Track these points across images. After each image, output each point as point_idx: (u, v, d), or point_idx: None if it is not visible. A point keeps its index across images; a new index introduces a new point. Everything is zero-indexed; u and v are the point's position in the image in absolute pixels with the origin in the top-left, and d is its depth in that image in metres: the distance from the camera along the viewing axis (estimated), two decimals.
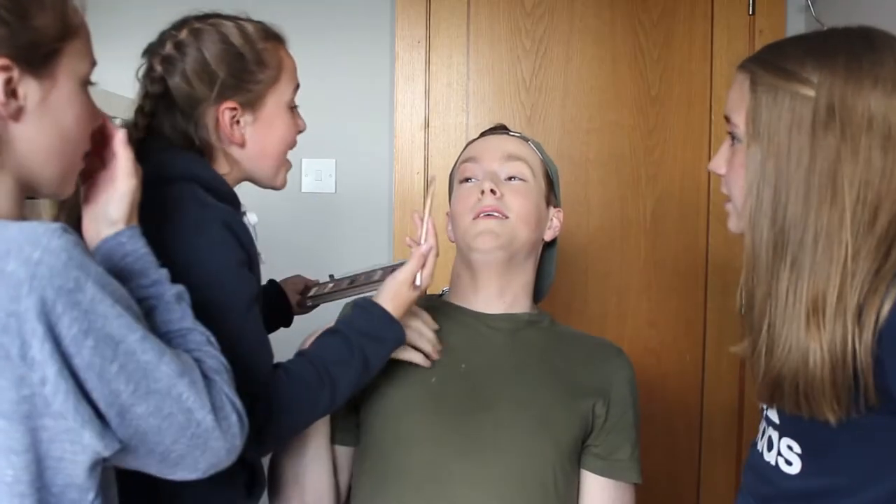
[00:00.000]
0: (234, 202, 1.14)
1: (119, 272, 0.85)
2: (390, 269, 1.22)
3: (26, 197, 0.85)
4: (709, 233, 2.24)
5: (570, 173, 2.27)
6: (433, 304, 1.31)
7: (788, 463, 0.94)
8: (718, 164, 1.00)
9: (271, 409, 1.03)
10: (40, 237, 0.71)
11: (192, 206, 1.04)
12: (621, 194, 2.27)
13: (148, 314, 0.84)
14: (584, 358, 1.26)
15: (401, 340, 1.15)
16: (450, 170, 1.39)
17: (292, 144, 1.21)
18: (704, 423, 2.27)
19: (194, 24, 1.12)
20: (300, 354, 1.11)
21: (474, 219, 1.23)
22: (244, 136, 1.14)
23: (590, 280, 2.28)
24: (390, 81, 2.27)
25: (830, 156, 0.86)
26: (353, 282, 1.35)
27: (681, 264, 2.27)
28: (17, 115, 0.79)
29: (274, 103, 1.15)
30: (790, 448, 0.95)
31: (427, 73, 2.26)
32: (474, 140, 1.35)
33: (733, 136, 0.97)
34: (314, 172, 2.26)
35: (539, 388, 1.21)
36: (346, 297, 1.33)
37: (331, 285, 1.40)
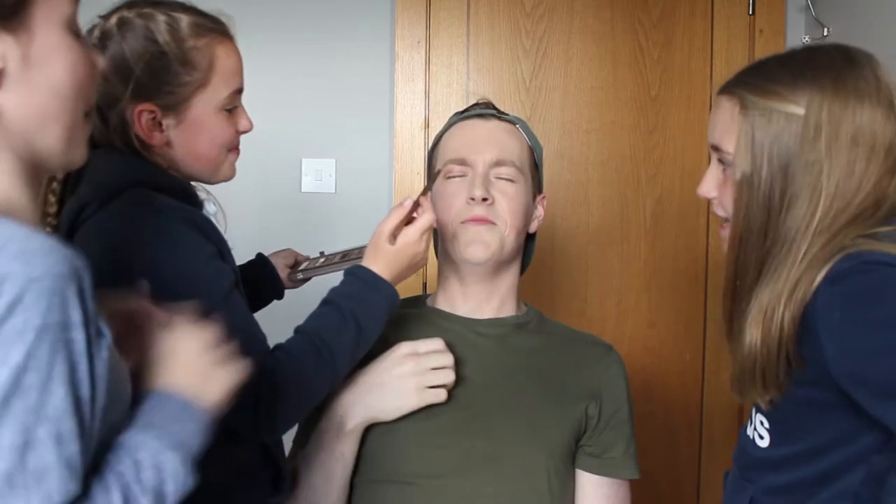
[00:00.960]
0: (187, 196, 1.10)
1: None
2: None
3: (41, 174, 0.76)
4: (709, 233, 2.24)
5: (570, 173, 2.27)
6: (418, 311, 1.30)
7: (761, 437, 1.01)
8: (709, 188, 1.03)
9: (277, 391, 1.02)
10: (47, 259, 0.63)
11: (147, 214, 1.02)
12: (621, 194, 2.27)
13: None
14: (574, 359, 1.25)
15: (392, 298, 1.12)
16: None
17: (229, 146, 1.14)
18: (704, 423, 2.27)
19: (125, 13, 1.06)
20: (295, 331, 1.09)
21: (462, 223, 1.21)
22: (167, 139, 1.08)
23: (590, 280, 2.28)
24: (390, 81, 2.27)
25: (815, 170, 0.91)
26: (345, 256, 1.35)
27: (681, 264, 2.27)
28: None
29: (201, 107, 1.08)
30: (762, 423, 1.01)
31: (427, 73, 2.26)
32: (461, 119, 1.29)
33: (722, 161, 1.00)
34: (314, 172, 2.26)
35: (530, 394, 1.20)
36: (337, 269, 1.32)
37: (322, 260, 1.40)
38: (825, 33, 2.01)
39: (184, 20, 1.07)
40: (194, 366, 0.80)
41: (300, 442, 1.23)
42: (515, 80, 2.28)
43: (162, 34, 1.05)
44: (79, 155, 0.77)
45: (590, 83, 2.27)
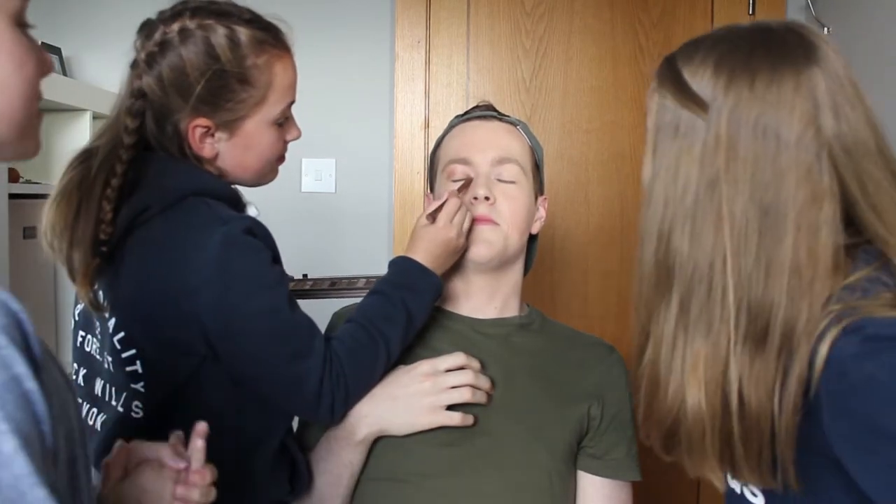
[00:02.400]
0: (237, 203, 1.13)
1: None
2: (374, 280, 1.22)
3: None
4: None
5: (570, 173, 2.27)
6: None
7: (754, 494, 0.89)
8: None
9: (338, 378, 1.07)
10: None
11: (214, 224, 1.04)
12: (621, 194, 2.27)
13: None
14: (576, 360, 1.25)
15: (437, 285, 1.16)
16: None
17: (279, 157, 1.16)
18: None
19: (187, 23, 1.04)
20: (348, 321, 1.12)
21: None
22: (217, 151, 1.09)
23: (590, 280, 2.28)
24: (390, 81, 2.27)
25: (715, 193, 0.78)
26: (334, 284, 1.35)
27: None
28: None
29: (255, 124, 1.09)
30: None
31: (427, 73, 2.26)
32: (461, 122, 1.30)
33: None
34: (314, 172, 2.26)
35: (532, 395, 1.20)
36: (325, 297, 1.33)
37: (310, 283, 1.39)
38: (825, 33, 2.01)
39: (244, 35, 1.06)
40: None
41: (306, 443, 1.22)
42: (515, 81, 2.28)
43: (223, 50, 1.04)
44: (31, 147, 0.76)
45: (590, 83, 2.28)
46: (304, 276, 1.41)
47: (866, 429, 0.71)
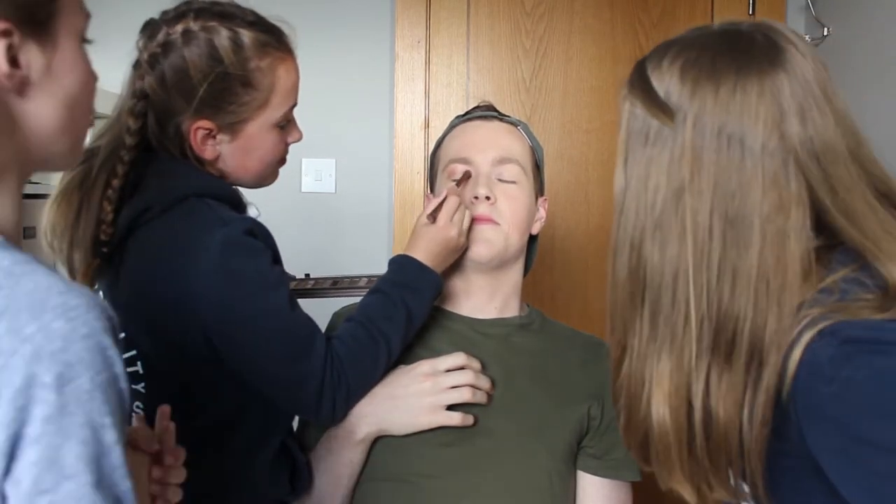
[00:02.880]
0: (238, 205, 1.13)
1: None
2: (375, 279, 1.22)
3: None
4: None
5: (570, 173, 2.27)
6: None
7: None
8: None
9: (339, 377, 1.07)
10: (71, 312, 0.60)
11: (215, 225, 1.03)
12: None
13: None
14: (576, 360, 1.25)
15: (437, 284, 1.16)
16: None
17: (280, 159, 1.16)
18: None
19: (190, 25, 1.04)
20: (347, 320, 1.13)
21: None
22: (218, 152, 1.09)
23: (590, 280, 2.28)
24: (390, 81, 2.27)
25: (681, 203, 0.77)
26: (336, 283, 1.35)
27: None
28: (22, 88, 0.68)
29: (257, 127, 1.09)
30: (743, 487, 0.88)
31: (427, 73, 2.26)
32: (462, 122, 1.30)
33: None
34: (314, 172, 2.26)
35: (532, 395, 1.20)
36: (325, 296, 1.33)
37: (312, 282, 1.40)
38: (825, 33, 2.01)
39: (247, 37, 1.05)
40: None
41: (305, 442, 1.22)
42: (515, 81, 2.28)
43: (226, 53, 1.03)
44: (77, 160, 0.81)
45: (590, 83, 2.28)
46: (307, 275, 1.41)
47: (846, 436, 0.69)
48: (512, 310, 1.28)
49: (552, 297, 2.25)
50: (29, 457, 0.57)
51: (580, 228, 2.28)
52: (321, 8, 2.26)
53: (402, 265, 1.16)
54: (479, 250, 1.20)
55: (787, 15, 2.23)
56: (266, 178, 1.17)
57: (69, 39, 0.71)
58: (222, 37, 1.04)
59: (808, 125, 0.76)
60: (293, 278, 1.45)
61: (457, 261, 1.24)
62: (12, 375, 0.57)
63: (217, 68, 1.04)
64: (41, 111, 0.70)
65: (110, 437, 0.60)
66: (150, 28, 1.08)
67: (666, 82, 0.79)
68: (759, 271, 0.74)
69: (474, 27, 2.28)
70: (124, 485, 0.61)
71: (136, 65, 1.08)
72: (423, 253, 1.16)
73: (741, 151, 0.75)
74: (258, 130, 1.09)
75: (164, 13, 1.08)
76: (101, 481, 0.59)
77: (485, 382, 1.16)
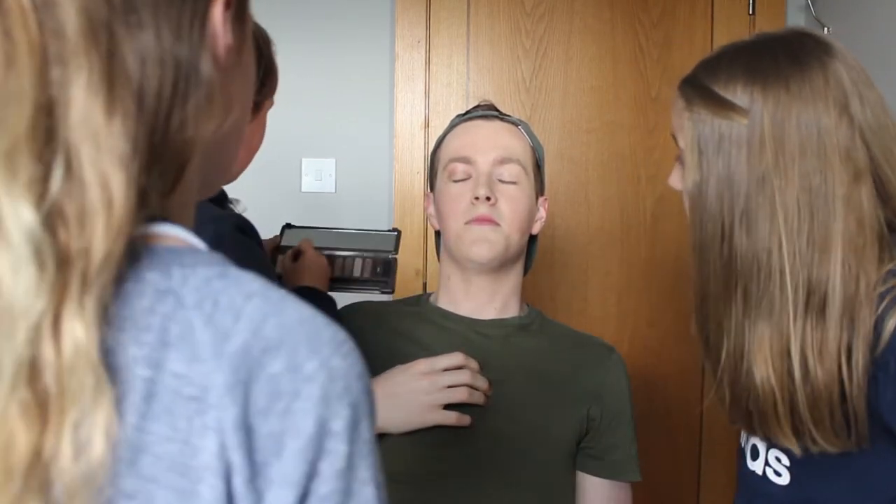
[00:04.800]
0: (223, 201, 1.15)
1: None
2: (362, 232, 1.27)
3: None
4: None
5: (570, 173, 2.27)
6: (419, 309, 1.29)
7: (777, 474, 0.94)
8: (675, 180, 0.99)
9: None
10: (324, 342, 0.49)
11: (204, 222, 1.04)
12: (621, 194, 2.27)
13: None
14: (576, 360, 1.25)
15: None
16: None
17: (255, 150, 1.24)
18: (704, 423, 2.27)
19: None
20: None
21: (466, 223, 1.21)
22: None
23: (590, 280, 2.28)
24: (390, 81, 2.27)
25: (767, 186, 0.86)
26: (332, 277, 1.36)
27: (681, 264, 2.27)
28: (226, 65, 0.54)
29: (266, 109, 1.17)
30: (778, 460, 0.94)
31: (427, 73, 2.26)
32: (463, 121, 1.30)
33: (678, 158, 0.96)
34: (314, 172, 2.26)
35: (532, 395, 1.20)
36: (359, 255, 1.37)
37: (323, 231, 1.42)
38: (825, 33, 2.00)
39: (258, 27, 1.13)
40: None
41: None
42: (515, 80, 2.28)
43: (264, 39, 1.13)
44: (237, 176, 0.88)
45: (590, 83, 2.27)
46: (287, 224, 1.43)
47: None
48: (512, 310, 1.28)
49: (552, 297, 2.25)
50: None
51: (580, 228, 2.27)
52: (321, 8, 2.25)
53: None
54: (481, 251, 1.20)
55: (787, 15, 2.23)
56: (243, 168, 1.21)
57: (250, 34, 0.59)
58: (257, 27, 1.12)
59: (865, 106, 0.87)
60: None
61: (456, 262, 1.23)
62: (300, 421, 0.46)
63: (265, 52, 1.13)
64: (238, 103, 0.58)
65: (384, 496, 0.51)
66: None
67: (731, 87, 0.88)
68: (845, 234, 0.84)
69: (474, 27, 2.28)
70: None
71: None
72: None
73: (817, 132, 0.85)
74: (265, 113, 1.18)
75: None
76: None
77: (482, 383, 1.16)
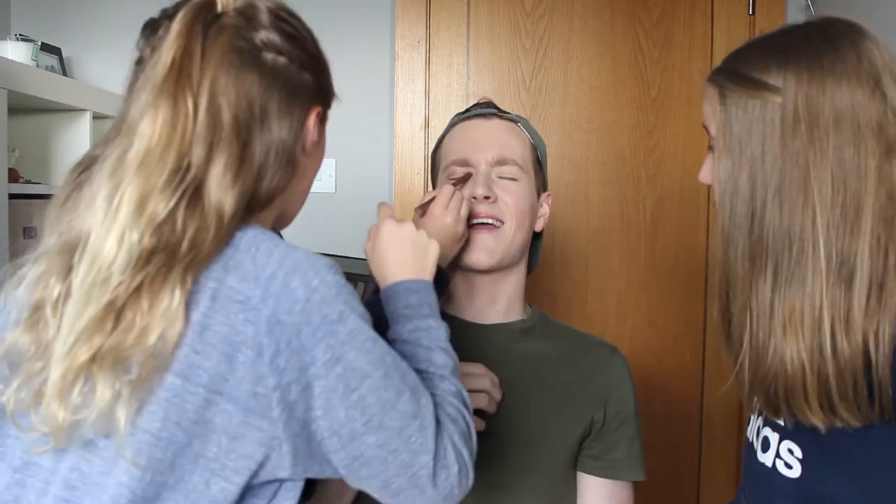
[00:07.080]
0: None
1: (390, 315, 0.94)
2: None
3: None
4: (709, 232, 2.24)
5: (570, 173, 2.28)
6: None
7: (788, 466, 0.93)
8: (705, 174, 1.00)
9: None
10: (320, 268, 0.78)
11: None
12: (621, 194, 2.28)
13: (407, 354, 0.89)
14: (579, 362, 1.25)
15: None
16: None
17: None
18: (704, 423, 2.27)
19: None
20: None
21: (468, 227, 1.19)
22: None
23: (590, 280, 2.28)
24: (390, 81, 2.27)
25: (801, 160, 0.87)
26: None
27: (681, 264, 2.27)
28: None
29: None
30: (790, 452, 0.94)
31: (427, 73, 2.26)
32: (462, 120, 1.29)
33: (711, 147, 0.97)
34: None
35: (534, 400, 1.19)
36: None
37: None
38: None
39: None
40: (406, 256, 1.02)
41: None
42: (515, 80, 2.28)
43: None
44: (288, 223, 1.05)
45: (590, 83, 2.28)
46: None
47: None
48: (515, 313, 1.27)
49: (552, 297, 2.25)
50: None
51: (580, 228, 2.28)
52: (321, 8, 2.25)
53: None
54: (480, 258, 1.20)
55: (788, 15, 2.23)
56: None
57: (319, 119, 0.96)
58: None
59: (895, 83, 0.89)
60: None
61: (458, 263, 1.23)
62: (311, 315, 0.76)
63: None
64: (308, 172, 0.94)
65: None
66: (150, 27, 1.07)
67: (767, 69, 0.90)
68: (875, 205, 0.85)
69: (474, 27, 2.28)
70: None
71: (138, 62, 1.07)
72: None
73: (851, 106, 0.86)
74: None
75: (164, 11, 1.07)
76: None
77: (497, 393, 1.16)
